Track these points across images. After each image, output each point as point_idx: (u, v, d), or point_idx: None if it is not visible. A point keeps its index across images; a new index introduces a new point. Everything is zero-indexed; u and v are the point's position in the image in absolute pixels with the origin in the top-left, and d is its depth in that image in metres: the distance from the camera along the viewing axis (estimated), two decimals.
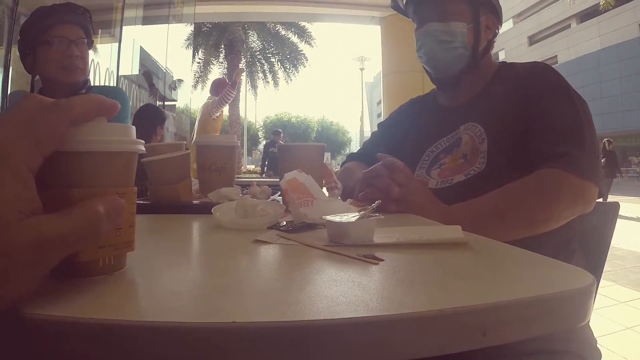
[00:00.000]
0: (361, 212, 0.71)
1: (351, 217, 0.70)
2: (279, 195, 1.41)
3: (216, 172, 1.28)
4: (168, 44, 8.68)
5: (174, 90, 8.18)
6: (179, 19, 9.16)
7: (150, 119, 3.76)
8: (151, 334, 0.35)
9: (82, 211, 0.41)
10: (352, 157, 1.81)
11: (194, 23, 10.37)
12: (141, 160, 1.18)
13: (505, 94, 1.40)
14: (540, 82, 1.36)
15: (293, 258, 0.64)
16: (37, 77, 1.99)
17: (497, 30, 1.55)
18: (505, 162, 1.29)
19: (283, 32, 25.31)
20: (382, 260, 0.58)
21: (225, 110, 6.94)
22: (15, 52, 5.26)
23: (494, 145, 1.33)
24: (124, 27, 6.85)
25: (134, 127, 0.50)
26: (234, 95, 6.77)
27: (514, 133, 1.31)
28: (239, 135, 18.70)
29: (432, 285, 0.50)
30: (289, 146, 1.20)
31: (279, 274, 0.57)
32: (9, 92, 5.14)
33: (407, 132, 1.65)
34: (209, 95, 6.89)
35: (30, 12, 1.94)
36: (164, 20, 8.56)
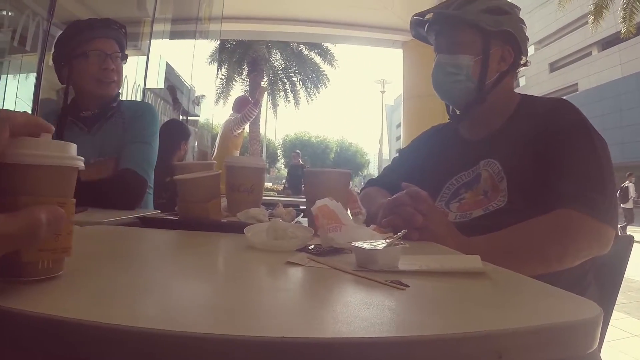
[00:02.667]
0: (388, 240, 0.76)
1: (379, 244, 0.74)
2: (302, 217, 1.46)
3: (245, 193, 1.32)
4: (194, 60, 8.79)
5: (198, 105, 8.27)
6: (205, 35, 9.28)
7: (175, 134, 3.83)
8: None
9: (26, 215, 0.46)
10: (372, 182, 1.84)
11: (219, 40, 10.51)
12: (173, 177, 1.23)
13: (526, 132, 1.41)
14: (561, 121, 1.37)
15: (324, 280, 0.68)
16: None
17: (518, 61, 1.54)
18: (525, 200, 1.31)
19: (306, 52, 25.38)
20: (408, 286, 0.62)
21: (246, 127, 7.01)
22: (47, 61, 5.36)
23: (513, 184, 1.35)
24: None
25: (74, 145, 0.56)
26: (255, 114, 6.83)
27: (534, 172, 1.32)
28: (259, 153, 18.77)
29: (452, 311, 0.55)
30: (316, 172, 1.25)
31: (312, 295, 0.61)
32: (39, 99, 5.24)
33: (428, 161, 1.68)
34: (231, 112, 6.96)
35: (64, 23, 2.00)
36: (191, 35, 8.67)
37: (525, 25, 1.54)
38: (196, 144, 7.38)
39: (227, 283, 0.65)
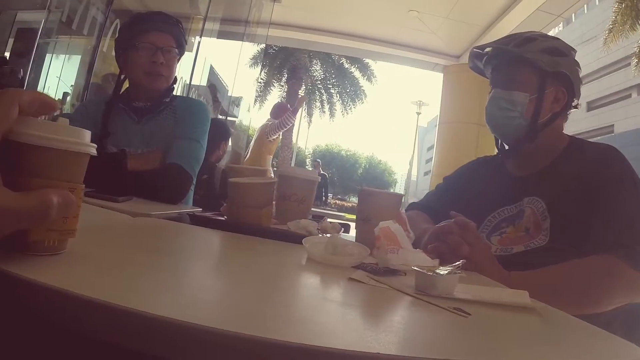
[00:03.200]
0: (448, 267, 0.77)
1: (440, 270, 0.75)
2: (343, 232, 1.47)
3: (296, 203, 1.34)
4: (235, 61, 8.89)
5: (237, 106, 8.34)
6: (252, 39, 9.39)
7: (215, 134, 3.86)
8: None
9: (38, 196, 0.48)
10: (414, 206, 1.85)
11: (263, 45, 10.64)
12: (228, 180, 1.25)
13: (574, 175, 1.42)
14: (610, 170, 1.38)
15: (389, 300, 0.70)
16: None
17: (570, 103, 1.55)
18: (566, 241, 1.32)
19: (346, 66, 25.43)
20: (470, 314, 0.64)
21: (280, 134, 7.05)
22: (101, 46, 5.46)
23: (556, 224, 1.36)
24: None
25: (88, 132, 0.57)
26: (293, 122, 6.87)
27: (578, 216, 1.33)
28: (289, 160, 18.83)
29: (512, 344, 0.56)
30: (371, 192, 1.26)
31: (378, 313, 0.63)
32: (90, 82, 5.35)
33: (472, 192, 1.68)
34: (269, 117, 7.01)
35: (123, 11, 2.02)
36: (238, 37, 8.77)
37: (580, 68, 1.55)
38: (230, 145, 7.45)
39: (290, 292, 0.67)
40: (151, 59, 1.95)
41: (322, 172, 12.27)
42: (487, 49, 1.62)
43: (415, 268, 0.77)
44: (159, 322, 0.40)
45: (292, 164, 18.28)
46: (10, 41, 5.10)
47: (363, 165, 54.89)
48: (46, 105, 0.53)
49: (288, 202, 1.34)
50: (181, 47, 2.08)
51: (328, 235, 1.23)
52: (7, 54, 4.82)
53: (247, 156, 6.90)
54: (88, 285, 0.46)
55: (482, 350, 0.51)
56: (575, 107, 1.59)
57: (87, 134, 0.58)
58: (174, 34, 2.03)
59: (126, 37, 1.99)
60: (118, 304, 0.41)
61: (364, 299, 0.69)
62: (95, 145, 0.58)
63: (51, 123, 0.54)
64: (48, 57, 5.50)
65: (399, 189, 55.06)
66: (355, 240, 1.18)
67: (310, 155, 50.43)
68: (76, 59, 6.11)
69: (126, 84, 2.08)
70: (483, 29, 8.96)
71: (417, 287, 0.76)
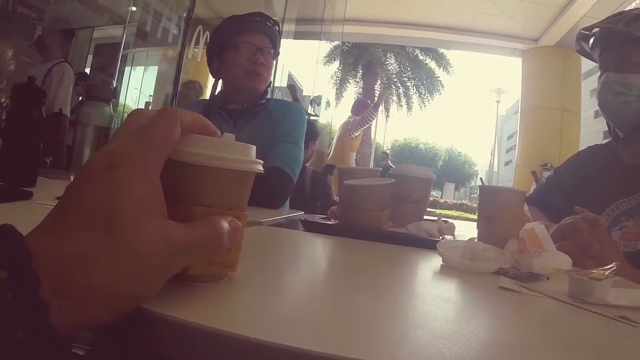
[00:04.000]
0: (601, 271, 0.73)
1: (595, 275, 0.71)
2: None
3: (412, 204, 1.30)
4: (309, 60, 8.93)
5: (318, 105, 8.38)
6: (328, 37, 9.41)
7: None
8: None
9: (208, 225, 0.43)
10: (527, 201, 1.79)
11: (337, 42, 10.64)
12: (344, 182, 1.23)
13: None
14: None
15: (551, 311, 0.66)
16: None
17: None
18: None
19: (421, 57, 25.23)
20: (639, 323, 0.59)
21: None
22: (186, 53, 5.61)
23: None
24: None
25: (254, 147, 0.50)
26: (375, 117, 6.85)
27: None
28: (369, 156, 18.79)
29: None
30: (493, 189, 1.22)
31: (547, 329, 0.59)
32: (179, 85, 5.52)
33: (586, 184, 1.60)
34: (350, 114, 7.00)
35: (207, 18, 2.05)
36: (315, 36, 8.81)
37: None
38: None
39: (442, 305, 0.63)
40: (251, 59, 1.96)
41: (390, 164, 12.05)
42: (595, 30, 1.54)
43: (570, 273, 0.73)
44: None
45: (372, 161, 18.20)
46: (90, 58, 5.34)
47: (442, 157, 54.23)
48: (208, 129, 0.48)
49: (404, 203, 1.30)
50: (276, 48, 2.09)
51: (448, 237, 1.20)
52: (87, 70, 5.04)
53: (330, 154, 6.93)
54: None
55: None
56: None
57: (253, 150, 0.51)
58: (270, 35, 2.04)
59: (223, 39, 2.01)
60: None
61: (525, 310, 0.66)
62: (262, 162, 0.51)
63: (217, 139, 0.48)
64: (127, 69, 5.73)
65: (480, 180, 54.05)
66: (477, 240, 1.15)
67: (389, 151, 50.28)
68: (153, 70, 6.33)
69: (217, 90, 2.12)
70: (561, 8, 8.65)
71: (570, 293, 0.72)
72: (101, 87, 1.74)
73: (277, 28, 2.09)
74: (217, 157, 0.45)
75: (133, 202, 0.38)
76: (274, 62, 2.12)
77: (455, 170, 50.25)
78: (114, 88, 1.67)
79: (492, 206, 1.17)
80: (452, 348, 0.40)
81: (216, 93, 2.12)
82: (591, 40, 1.56)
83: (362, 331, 0.43)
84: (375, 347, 0.39)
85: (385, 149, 48.85)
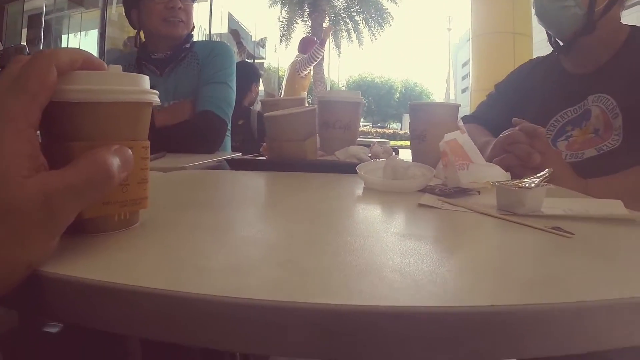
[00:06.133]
0: (533, 180, 0.65)
1: (526, 184, 0.63)
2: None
3: (341, 130, 1.23)
4: (254, 4, 8.74)
5: (263, 48, 8.23)
6: None
7: (244, 77, 3.75)
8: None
9: (90, 160, 0.39)
10: (468, 119, 1.71)
11: None
12: (264, 114, 1.14)
13: None
14: None
15: (473, 227, 0.58)
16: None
17: None
18: None
19: None
20: (573, 234, 0.51)
21: (312, 68, 6.93)
22: (110, 12, 5.42)
23: (630, 121, 1.23)
24: None
25: (146, 77, 0.47)
26: (322, 54, 6.74)
27: None
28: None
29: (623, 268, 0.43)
30: (423, 105, 1.14)
31: (471, 244, 0.51)
32: (105, 50, 5.32)
33: (529, 97, 1.54)
34: (297, 53, 6.88)
35: None
36: None
37: None
38: (262, 87, 7.35)
39: (353, 232, 0.54)
40: (168, 5, 1.85)
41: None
42: None
43: (497, 184, 0.65)
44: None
45: None
46: (24, 31, 5.12)
47: (399, 90, 54.45)
48: (91, 63, 0.43)
49: (332, 129, 1.23)
50: None
51: (382, 160, 1.12)
52: (24, 44, 4.83)
53: (281, 95, 6.83)
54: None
55: (613, 280, 0.38)
56: None
57: (146, 80, 0.47)
58: None
59: None
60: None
61: (443, 227, 0.58)
62: (157, 93, 0.48)
63: (100, 73, 0.44)
64: (64, 37, 5.51)
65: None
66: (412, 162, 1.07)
67: (344, 88, 50.23)
68: (93, 33, 6.09)
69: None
70: None
71: (499, 206, 0.64)
72: (15, 54, 1.59)
73: None
74: (96, 90, 0.42)
75: (3, 161, 0.35)
76: (193, 4, 1.98)
77: (412, 101, 50.80)
78: (28, 54, 1.53)
79: (422, 124, 1.10)
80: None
81: (138, 45, 2.01)
82: None
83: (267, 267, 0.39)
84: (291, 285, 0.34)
85: (340, 86, 48.80)
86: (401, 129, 38.38)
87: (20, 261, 0.35)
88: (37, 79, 0.38)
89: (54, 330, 0.63)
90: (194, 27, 2.00)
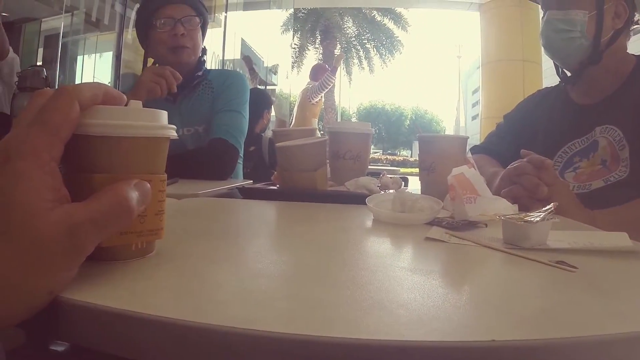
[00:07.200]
0: (539, 214, 0.66)
1: (531, 218, 0.65)
2: (404, 187, 1.37)
3: (351, 161, 1.25)
4: (266, 30, 8.84)
5: (275, 74, 8.30)
6: (279, 5, 9.27)
7: (257, 104, 3.77)
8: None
9: (111, 194, 0.41)
10: (477, 149, 1.73)
11: (292, 8, 10.49)
12: (276, 145, 1.17)
13: None
14: None
15: (479, 262, 0.59)
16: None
17: (632, 19, 1.40)
18: None
19: (379, 18, 25.26)
20: (576, 268, 0.53)
21: (323, 95, 6.98)
22: (126, 36, 5.48)
23: (636, 152, 1.24)
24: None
25: (164, 112, 0.50)
26: (333, 81, 6.78)
27: None
28: (334, 122, 18.81)
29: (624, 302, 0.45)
30: (431, 137, 1.15)
31: (478, 280, 0.53)
32: (120, 74, 5.38)
33: (537, 128, 1.56)
34: (309, 80, 6.92)
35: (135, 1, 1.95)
36: (265, 5, 8.67)
37: None
38: (274, 113, 7.40)
39: (361, 264, 0.56)
40: (171, 32, 1.86)
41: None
42: None
43: (503, 218, 0.66)
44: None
45: None
46: (41, 51, 5.16)
47: (409, 117, 54.48)
48: (111, 97, 0.46)
49: (343, 160, 1.26)
50: (201, 14, 1.97)
51: (391, 191, 1.14)
52: (39, 63, 4.86)
53: (292, 122, 6.88)
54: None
55: (611, 314, 0.40)
56: (638, 22, 1.44)
57: (164, 115, 0.50)
58: (190, 3, 1.92)
59: (143, 18, 1.91)
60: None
61: (449, 261, 0.59)
62: (175, 127, 0.50)
63: (119, 108, 0.46)
64: (80, 58, 5.55)
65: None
66: (421, 193, 1.08)
67: (355, 115, 50.34)
68: (108, 55, 6.15)
69: None
70: None
71: (505, 239, 0.66)
72: (32, 77, 1.62)
73: None
74: (117, 125, 0.44)
75: (28, 194, 0.36)
76: (203, 31, 2.01)
77: (423, 129, 50.66)
78: (46, 77, 1.56)
79: (431, 156, 1.11)
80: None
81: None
82: None
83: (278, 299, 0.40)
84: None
85: (351, 113, 48.93)
86: (411, 156, 38.39)
87: (43, 289, 0.36)
88: (61, 114, 0.40)
89: (60, 348, 0.64)
90: (205, 52, 2.02)
